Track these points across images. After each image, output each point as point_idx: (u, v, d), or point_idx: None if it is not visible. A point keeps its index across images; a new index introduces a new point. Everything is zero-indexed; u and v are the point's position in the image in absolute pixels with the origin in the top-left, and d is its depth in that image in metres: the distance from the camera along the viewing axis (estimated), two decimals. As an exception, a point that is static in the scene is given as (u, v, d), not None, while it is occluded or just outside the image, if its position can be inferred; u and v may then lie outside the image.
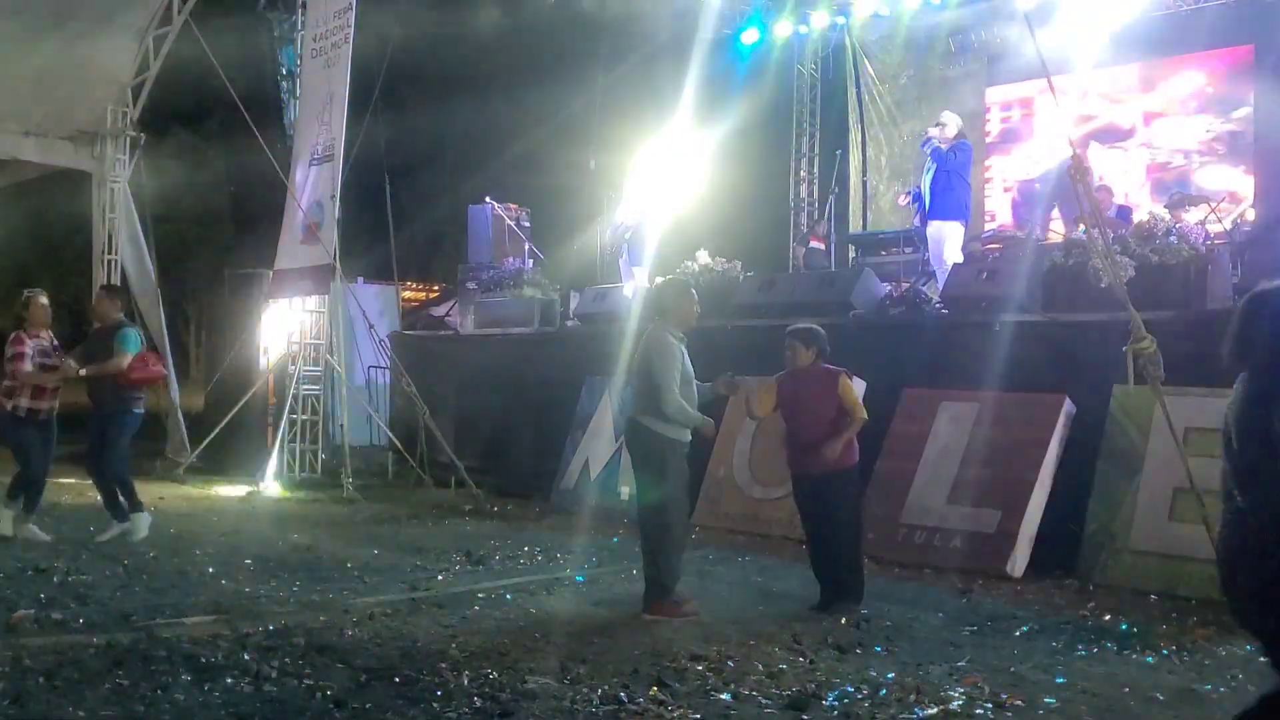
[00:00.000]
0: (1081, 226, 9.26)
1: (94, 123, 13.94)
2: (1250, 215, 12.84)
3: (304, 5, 13.47)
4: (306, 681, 5.19)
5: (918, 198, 12.38)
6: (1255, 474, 3.53)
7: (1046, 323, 9.04)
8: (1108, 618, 6.58)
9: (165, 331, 14.10)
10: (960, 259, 11.29)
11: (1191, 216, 10.83)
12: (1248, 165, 13.38)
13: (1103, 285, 8.30)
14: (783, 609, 6.94)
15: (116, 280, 13.84)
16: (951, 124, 11.94)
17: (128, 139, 14.07)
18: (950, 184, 11.76)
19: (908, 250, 13.09)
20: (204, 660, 5.44)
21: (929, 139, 12.04)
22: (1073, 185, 8.40)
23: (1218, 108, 13.69)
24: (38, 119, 13.61)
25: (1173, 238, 8.95)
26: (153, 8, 13.19)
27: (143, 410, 9.02)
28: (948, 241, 11.59)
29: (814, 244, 15.29)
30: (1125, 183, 14.07)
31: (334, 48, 12.48)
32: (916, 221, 12.51)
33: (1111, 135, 14.49)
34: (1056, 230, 12.96)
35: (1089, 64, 14.00)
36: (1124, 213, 12.10)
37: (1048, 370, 8.56)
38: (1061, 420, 8.20)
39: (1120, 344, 7.24)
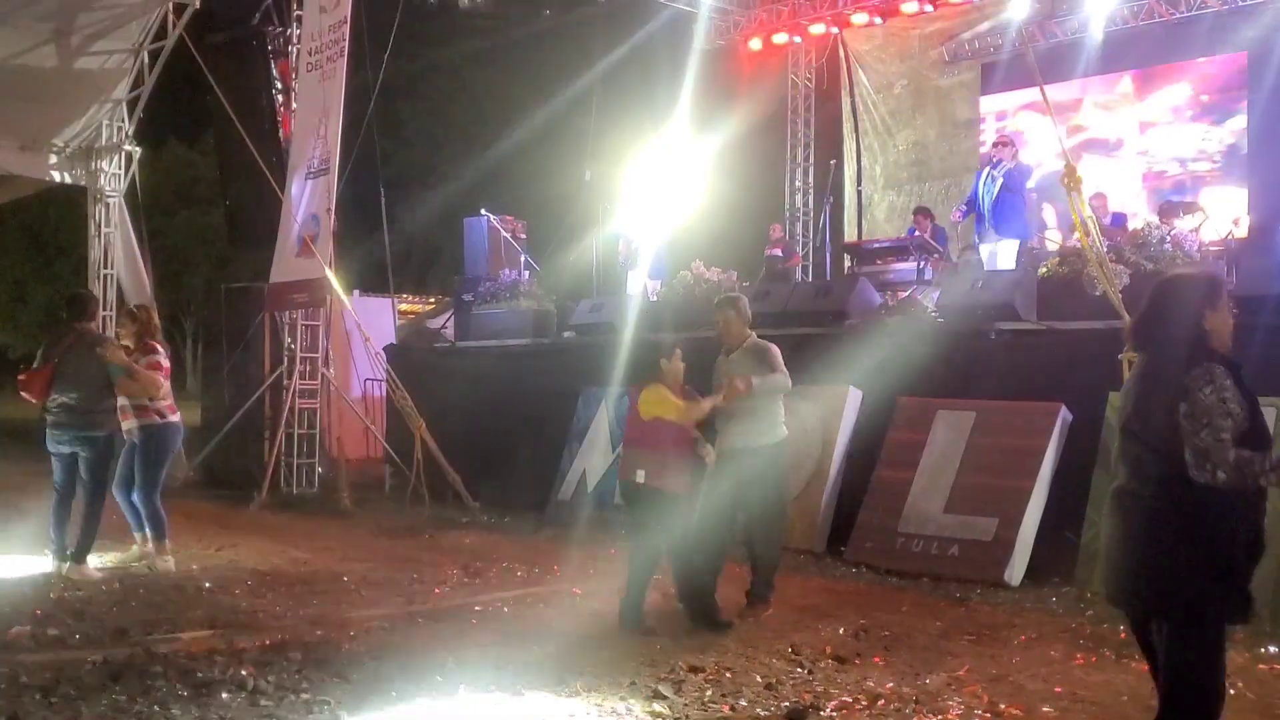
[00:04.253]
0: (1076, 234, 9.30)
1: (89, 137, 13.95)
2: (1244, 222, 12.88)
3: (299, 19, 13.48)
4: (303, 696, 5.18)
5: (971, 212, 12.62)
6: (1157, 457, 3.62)
7: (1042, 331, 9.04)
8: (1106, 626, 6.57)
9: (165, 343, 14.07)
10: None
11: (1185, 224, 10.86)
12: (1242, 173, 13.42)
13: (1097, 293, 8.32)
14: (781, 619, 6.92)
15: (113, 294, 13.84)
16: (1011, 144, 12.49)
17: (123, 153, 14.08)
18: (1015, 203, 12.18)
19: (904, 260, 13.13)
20: (200, 675, 5.43)
21: (999, 160, 12.31)
22: (1066, 194, 8.44)
23: (1212, 116, 13.75)
24: (33, 134, 13.62)
25: (1167, 245, 8.97)
26: (148, 22, 13.20)
27: (105, 433, 8.10)
28: (1003, 257, 11.96)
29: (770, 252, 15.42)
30: (1120, 192, 14.11)
31: (329, 61, 12.49)
32: (974, 237, 12.85)
33: (1106, 144, 14.54)
34: (1052, 239, 13.01)
35: (1083, 73, 14.07)
36: (1118, 220, 12.17)
37: (1044, 378, 8.56)
38: (1058, 428, 8.20)
39: (1115, 351, 7.25)
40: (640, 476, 6.58)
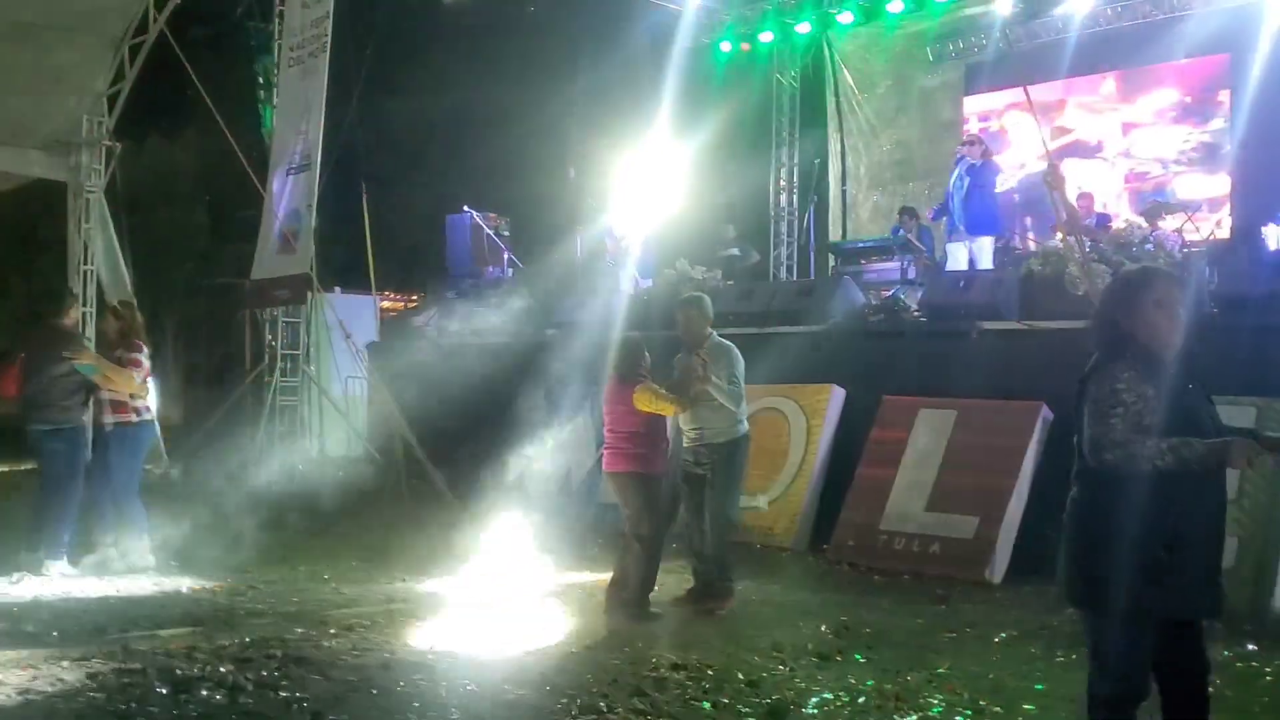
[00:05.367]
0: (1058, 235, 9.33)
1: (69, 132, 13.82)
2: (1226, 223, 12.95)
3: (281, 14, 13.41)
4: (283, 693, 5.16)
5: (943, 212, 12.75)
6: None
7: (1024, 331, 9.07)
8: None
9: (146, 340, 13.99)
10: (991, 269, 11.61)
11: (1168, 225, 10.91)
12: (1224, 174, 13.48)
13: (1079, 293, 8.35)
14: (763, 617, 6.93)
15: (93, 291, 13.74)
16: (979, 142, 12.73)
17: (103, 148, 13.97)
18: (984, 200, 12.36)
19: (887, 259, 13.16)
20: (180, 673, 5.39)
21: (962, 157, 12.55)
22: (1048, 194, 8.46)
23: (1194, 117, 13.80)
24: (11, 128, 13.50)
25: (1149, 246, 9.02)
26: (129, 16, 13.11)
27: (71, 425, 8.09)
28: (982, 255, 12.12)
29: (726, 253, 15.47)
30: (1103, 193, 14.15)
31: (311, 56, 12.44)
32: (947, 236, 13.02)
33: (1089, 146, 14.58)
34: (1033, 240, 13.06)
35: (1066, 74, 14.11)
36: (1102, 221, 12.23)
37: (1025, 377, 8.59)
38: (1039, 427, 8.24)
39: (1096, 351, 7.27)
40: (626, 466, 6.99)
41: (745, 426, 7.23)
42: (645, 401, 6.93)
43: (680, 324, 7.35)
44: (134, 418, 8.22)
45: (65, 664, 5.53)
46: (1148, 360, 3.69)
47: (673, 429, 7.38)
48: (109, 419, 8.17)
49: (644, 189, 14.25)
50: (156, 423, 8.57)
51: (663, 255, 13.51)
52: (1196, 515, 3.62)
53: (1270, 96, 12.47)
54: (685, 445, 7.25)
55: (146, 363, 8.30)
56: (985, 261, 12.02)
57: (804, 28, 16.48)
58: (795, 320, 10.52)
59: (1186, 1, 13.55)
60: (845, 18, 16.06)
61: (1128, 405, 3.60)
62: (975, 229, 12.27)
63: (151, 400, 8.44)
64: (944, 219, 13.05)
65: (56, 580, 7.68)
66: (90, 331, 12.39)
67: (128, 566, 8.14)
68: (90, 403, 8.24)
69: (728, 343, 7.28)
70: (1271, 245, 10.43)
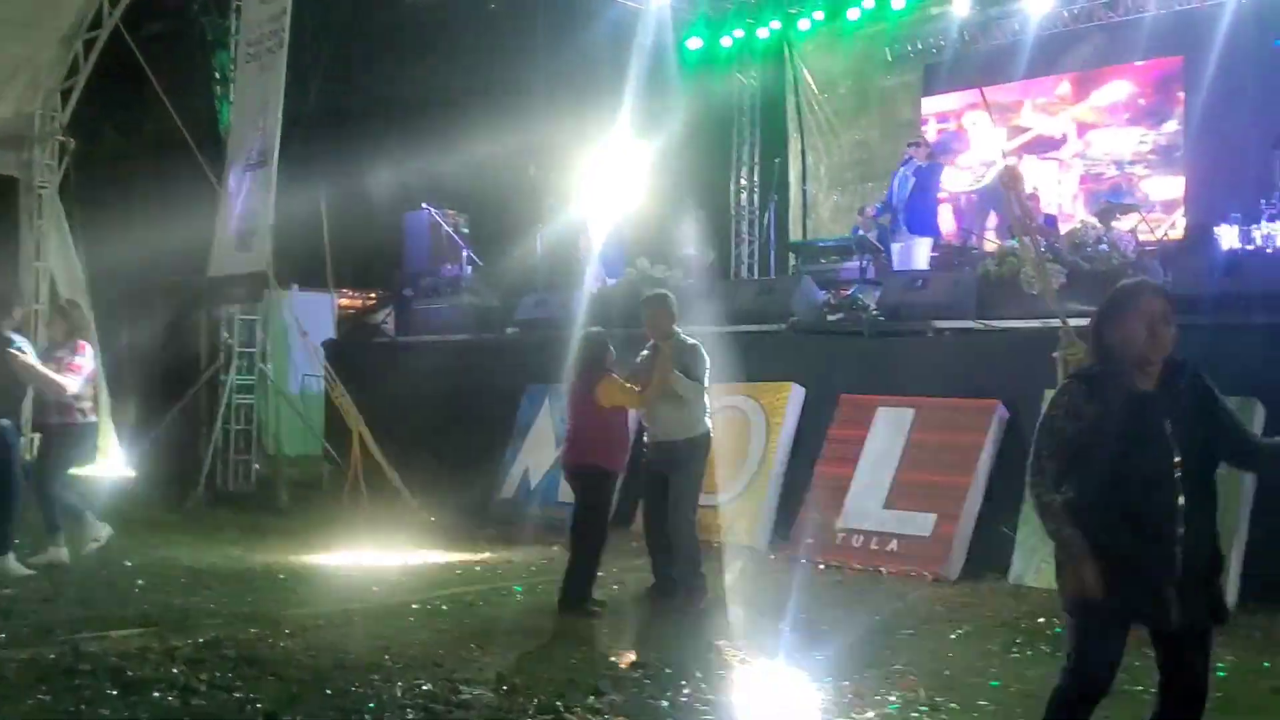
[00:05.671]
0: (1013, 236, 9.41)
1: (21, 127, 13.60)
2: (1180, 224, 13.10)
3: (238, 9, 13.28)
4: (236, 694, 5.10)
5: (885, 210, 12.84)
6: None
7: (980, 330, 9.14)
8: (1041, 620, 6.64)
9: (97, 340, 13.79)
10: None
11: (1122, 225, 11.02)
12: (1178, 175, 13.63)
13: (1034, 293, 8.42)
14: (721, 613, 6.94)
15: (45, 289, 13.54)
16: (926, 144, 12.95)
17: (57, 144, 13.77)
18: (926, 201, 12.53)
19: (848, 258, 13.22)
20: (131, 674, 5.32)
21: (910, 158, 12.69)
22: (1004, 194, 8.54)
23: (1149, 119, 13.94)
24: (-38, 123, 13.29)
25: (1104, 246, 9.09)
26: (82, 10, 12.93)
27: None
28: (919, 255, 12.21)
29: (684, 251, 15.53)
30: (1058, 193, 14.28)
31: (268, 52, 12.30)
32: (891, 235, 13.02)
33: (1045, 146, 14.70)
34: (994, 240, 13.17)
35: (1023, 75, 14.24)
36: (1050, 222, 12.35)
37: (981, 376, 8.66)
38: (995, 425, 8.30)
39: (1051, 350, 7.34)
40: (588, 457, 7.05)
41: (708, 425, 7.27)
42: (608, 395, 6.94)
43: (646, 321, 7.36)
44: (79, 419, 8.15)
45: (14, 665, 5.43)
46: (1105, 378, 3.68)
47: (636, 429, 7.40)
48: (54, 419, 8.10)
49: (606, 186, 14.23)
50: (105, 421, 8.44)
51: (625, 252, 13.49)
52: (1142, 523, 3.63)
53: (1224, 98, 12.63)
54: (647, 442, 7.27)
55: (89, 364, 8.20)
56: (921, 262, 12.14)
57: (774, 24, 16.51)
58: (756, 319, 10.54)
59: (1142, 4, 13.70)
60: (815, 15, 16.09)
61: (1058, 434, 3.66)
62: (915, 229, 12.46)
63: (101, 401, 8.36)
64: (886, 215, 13.13)
65: (3, 580, 7.56)
66: (42, 330, 12.21)
67: (96, 540, 8.22)
68: (29, 402, 8.21)
69: (694, 341, 7.31)
70: (1225, 245, 10.55)
